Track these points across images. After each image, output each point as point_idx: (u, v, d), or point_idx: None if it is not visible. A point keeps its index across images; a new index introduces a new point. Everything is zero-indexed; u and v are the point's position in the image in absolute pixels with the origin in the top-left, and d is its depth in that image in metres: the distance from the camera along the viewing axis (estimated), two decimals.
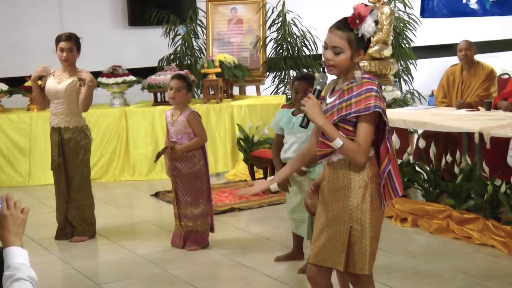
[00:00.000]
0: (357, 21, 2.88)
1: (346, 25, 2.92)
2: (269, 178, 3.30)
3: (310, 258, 3.18)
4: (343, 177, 3.01)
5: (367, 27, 2.89)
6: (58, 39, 5.46)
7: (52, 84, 5.51)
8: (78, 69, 5.49)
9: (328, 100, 3.04)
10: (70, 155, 5.51)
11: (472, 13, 7.42)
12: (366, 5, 2.93)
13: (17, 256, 2.20)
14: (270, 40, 8.98)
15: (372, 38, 3.02)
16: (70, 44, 5.42)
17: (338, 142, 2.90)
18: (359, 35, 2.90)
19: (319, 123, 2.93)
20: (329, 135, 2.92)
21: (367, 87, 2.91)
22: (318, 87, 3.01)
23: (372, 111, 2.88)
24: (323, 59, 3.07)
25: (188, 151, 5.11)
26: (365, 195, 2.97)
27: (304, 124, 3.01)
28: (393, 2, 9.26)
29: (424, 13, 7.40)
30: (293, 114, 4.56)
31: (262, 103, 8.09)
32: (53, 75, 5.54)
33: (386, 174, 2.98)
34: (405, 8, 9.35)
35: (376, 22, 2.93)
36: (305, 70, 8.73)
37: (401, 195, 3.12)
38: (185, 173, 5.15)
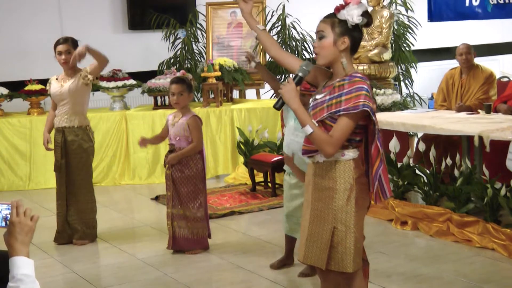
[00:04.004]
0: (340, 8, 2.98)
1: (332, 13, 3.04)
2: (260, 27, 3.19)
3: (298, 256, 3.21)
4: (328, 178, 3.02)
5: (349, 11, 2.95)
6: (56, 44, 5.51)
7: (55, 88, 5.56)
8: (80, 69, 5.52)
9: (318, 96, 3.06)
10: (73, 158, 5.52)
11: (474, 15, 7.38)
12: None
13: (22, 266, 2.19)
14: None
15: (364, 37, 3.06)
16: (67, 46, 5.46)
17: (308, 129, 2.93)
18: (342, 19, 2.97)
19: (292, 107, 2.96)
20: (301, 120, 2.95)
21: (358, 85, 2.93)
22: (300, 74, 3.04)
23: (360, 110, 2.90)
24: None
25: (183, 157, 5.13)
26: (350, 197, 2.99)
27: (278, 106, 3.04)
28: (394, 5, 9.25)
29: (432, 17, 7.35)
30: None
31: (262, 106, 8.09)
32: (57, 79, 5.58)
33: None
34: (407, 11, 9.34)
35: (366, 16, 2.97)
36: None
37: (391, 197, 3.13)
38: (181, 176, 5.16)
